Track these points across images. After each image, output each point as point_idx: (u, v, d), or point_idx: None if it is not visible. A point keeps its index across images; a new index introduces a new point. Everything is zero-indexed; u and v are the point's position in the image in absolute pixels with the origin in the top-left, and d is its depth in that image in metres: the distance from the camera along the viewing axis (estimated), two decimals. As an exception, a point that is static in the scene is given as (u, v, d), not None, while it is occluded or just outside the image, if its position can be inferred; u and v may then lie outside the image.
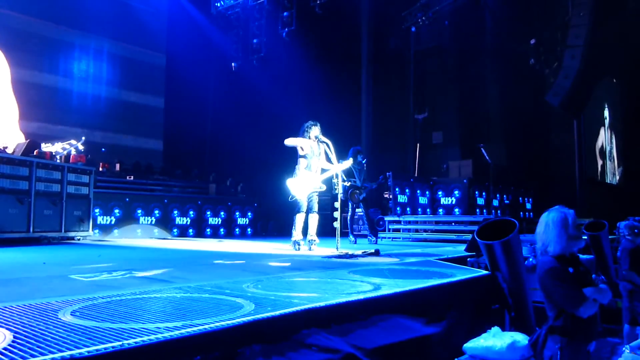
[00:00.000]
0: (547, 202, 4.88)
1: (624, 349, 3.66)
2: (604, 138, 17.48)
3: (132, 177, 11.50)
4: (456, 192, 11.86)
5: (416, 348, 2.67)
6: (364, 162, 8.54)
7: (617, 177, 18.15)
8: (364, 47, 14.80)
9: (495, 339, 2.93)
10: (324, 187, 6.49)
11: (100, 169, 10.94)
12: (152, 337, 1.68)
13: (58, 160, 7.90)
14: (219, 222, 11.43)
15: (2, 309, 2.11)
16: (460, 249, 5.81)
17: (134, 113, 14.65)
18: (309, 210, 6.46)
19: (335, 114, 12.49)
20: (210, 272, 3.86)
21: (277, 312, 2.13)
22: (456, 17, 14.35)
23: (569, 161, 14.87)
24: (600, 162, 16.90)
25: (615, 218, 6.59)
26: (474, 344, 2.93)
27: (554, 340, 3.00)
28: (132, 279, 3.26)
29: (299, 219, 6.40)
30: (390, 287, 2.95)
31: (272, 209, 12.51)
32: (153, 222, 10.33)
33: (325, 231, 8.22)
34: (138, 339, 1.64)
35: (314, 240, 6.42)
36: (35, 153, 7.52)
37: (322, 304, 2.35)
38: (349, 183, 8.21)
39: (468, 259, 4.55)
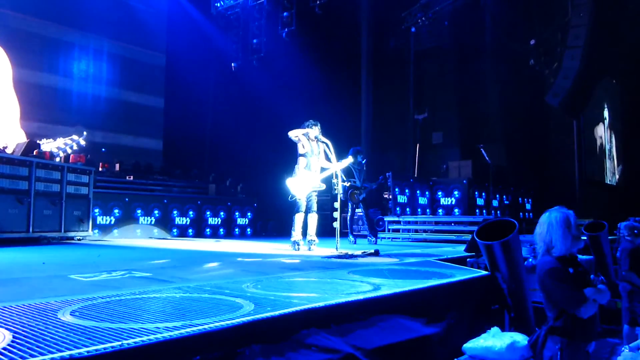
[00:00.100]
0: (546, 202, 4.89)
1: (623, 349, 3.66)
2: (604, 138, 17.50)
3: (131, 177, 11.49)
4: (456, 192, 11.86)
5: (416, 348, 2.67)
6: (363, 162, 8.54)
7: (617, 177, 18.16)
8: (364, 48, 14.78)
9: (494, 339, 2.93)
10: (323, 186, 6.49)
11: (100, 169, 10.95)
12: (152, 337, 1.68)
13: (58, 160, 7.89)
14: (219, 222, 11.43)
15: (2, 309, 2.10)
16: (460, 250, 5.80)
17: (134, 113, 14.64)
18: (308, 210, 6.46)
19: (335, 114, 12.48)
20: (210, 272, 3.86)
21: (277, 312, 2.13)
22: (456, 17, 14.34)
23: (569, 161, 14.90)
24: (599, 163, 16.92)
25: (615, 218, 6.58)
26: (473, 344, 2.94)
27: (553, 340, 3.00)
28: (131, 279, 3.26)
29: (298, 218, 6.39)
30: (389, 287, 2.94)
31: (271, 209, 12.51)
32: (153, 222, 10.32)
33: (325, 231, 8.21)
34: (137, 339, 1.64)
35: (314, 241, 6.42)
36: (34, 153, 7.51)
37: (321, 304, 2.35)
38: (349, 183, 8.21)
39: (468, 260, 4.55)
